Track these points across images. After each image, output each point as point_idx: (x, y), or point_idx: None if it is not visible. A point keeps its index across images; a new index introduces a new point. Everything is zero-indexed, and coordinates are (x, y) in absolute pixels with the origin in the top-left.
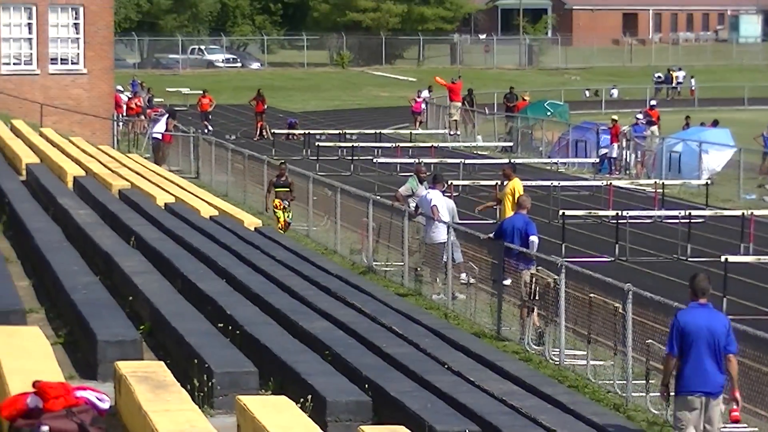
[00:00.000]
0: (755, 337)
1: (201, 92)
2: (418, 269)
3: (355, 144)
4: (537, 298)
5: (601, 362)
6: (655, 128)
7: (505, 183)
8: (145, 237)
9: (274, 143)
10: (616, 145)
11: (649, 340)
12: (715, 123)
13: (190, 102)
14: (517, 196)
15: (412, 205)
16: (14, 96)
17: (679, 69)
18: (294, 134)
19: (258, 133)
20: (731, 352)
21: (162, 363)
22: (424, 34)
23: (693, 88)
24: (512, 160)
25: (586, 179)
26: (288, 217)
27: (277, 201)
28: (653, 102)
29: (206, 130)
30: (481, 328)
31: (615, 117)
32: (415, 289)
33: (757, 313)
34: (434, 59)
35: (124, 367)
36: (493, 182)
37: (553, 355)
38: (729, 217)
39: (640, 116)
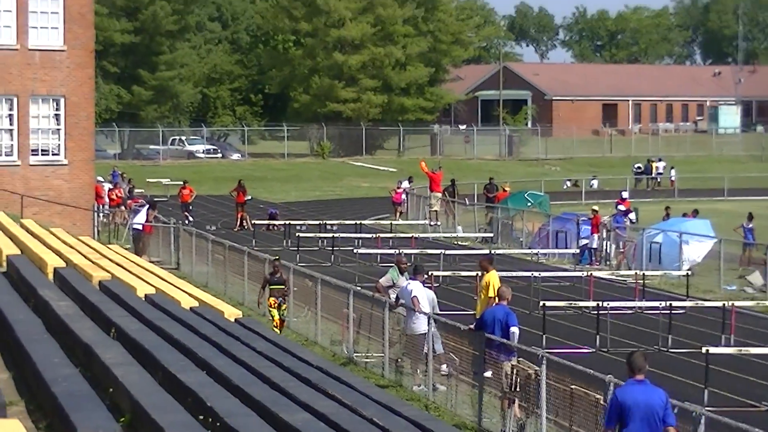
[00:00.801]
0: (737, 429)
1: (181, 183)
2: (399, 360)
3: (336, 234)
4: (518, 389)
5: None
6: (631, 216)
7: (481, 275)
8: (126, 328)
9: (254, 234)
10: (596, 235)
11: None
12: (696, 212)
13: (170, 193)
14: (493, 289)
15: (393, 296)
16: None
17: (660, 159)
18: (274, 225)
19: (238, 223)
20: (670, 425)
21: None
22: (405, 125)
23: (673, 179)
24: (492, 251)
25: (566, 270)
26: (283, 314)
27: (271, 299)
28: (624, 193)
29: (187, 221)
30: (462, 420)
31: (596, 208)
32: (396, 381)
33: (739, 404)
34: (414, 149)
35: None
36: (473, 273)
37: None
38: (710, 308)
39: (621, 207)
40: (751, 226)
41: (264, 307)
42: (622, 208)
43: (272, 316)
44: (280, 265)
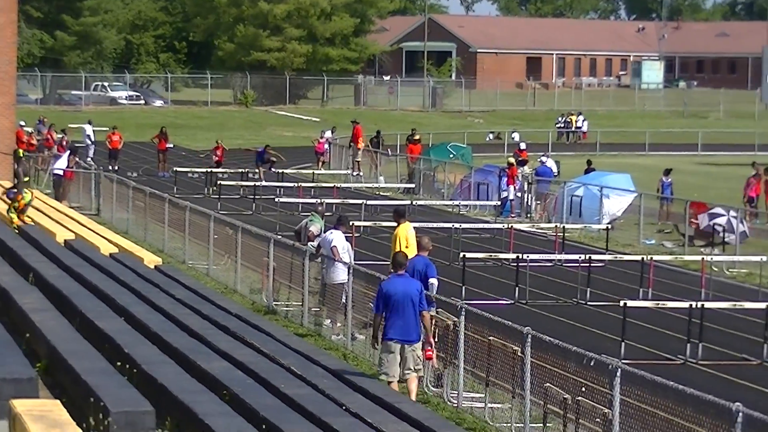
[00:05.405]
0: (653, 381)
1: (109, 129)
2: (318, 309)
3: (257, 183)
4: (436, 340)
5: (499, 405)
6: (526, 167)
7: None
8: (44, 274)
9: (176, 180)
10: (512, 187)
11: (548, 384)
12: (590, 163)
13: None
14: (400, 243)
15: (313, 244)
16: None
17: (579, 114)
18: (195, 171)
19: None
20: (423, 309)
21: (58, 402)
22: (329, 75)
23: (585, 131)
24: (414, 202)
25: (487, 222)
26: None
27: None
28: (523, 145)
29: (110, 168)
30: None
31: (512, 160)
32: (315, 330)
33: (655, 358)
34: (338, 100)
35: (20, 405)
36: (394, 223)
37: (452, 397)
38: (629, 261)
39: (544, 158)
40: (669, 180)
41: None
42: (545, 158)
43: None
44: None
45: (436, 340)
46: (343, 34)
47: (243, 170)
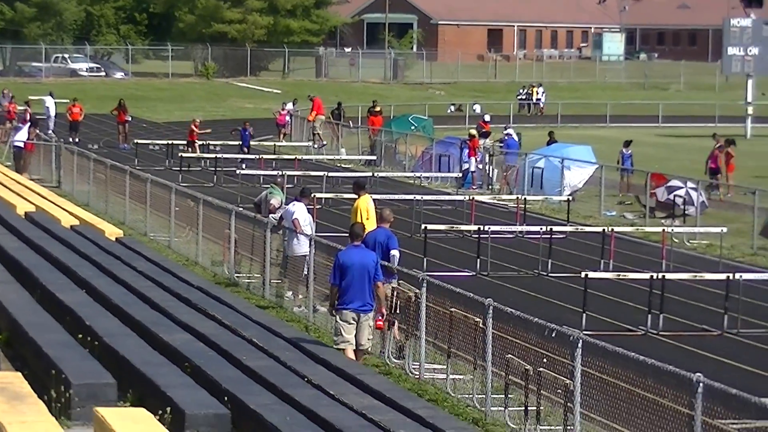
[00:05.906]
0: (614, 353)
1: (68, 101)
2: (280, 281)
3: (219, 155)
4: (398, 311)
5: (461, 376)
6: (488, 139)
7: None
8: (5, 246)
9: (137, 153)
10: (474, 159)
11: (509, 355)
12: (551, 134)
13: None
14: (361, 215)
15: (275, 216)
16: None
17: (540, 85)
18: (156, 144)
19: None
20: (378, 279)
21: (19, 374)
22: (290, 47)
23: (543, 104)
24: (375, 174)
25: (448, 194)
26: None
27: None
28: (487, 117)
29: (71, 140)
30: None
31: (473, 132)
32: (277, 302)
33: (616, 329)
34: (299, 71)
35: None
36: (355, 195)
37: (413, 368)
38: (590, 233)
39: (509, 131)
40: (629, 152)
41: None
42: (510, 131)
43: None
44: None
45: (398, 311)
46: (305, 5)
47: (203, 142)
